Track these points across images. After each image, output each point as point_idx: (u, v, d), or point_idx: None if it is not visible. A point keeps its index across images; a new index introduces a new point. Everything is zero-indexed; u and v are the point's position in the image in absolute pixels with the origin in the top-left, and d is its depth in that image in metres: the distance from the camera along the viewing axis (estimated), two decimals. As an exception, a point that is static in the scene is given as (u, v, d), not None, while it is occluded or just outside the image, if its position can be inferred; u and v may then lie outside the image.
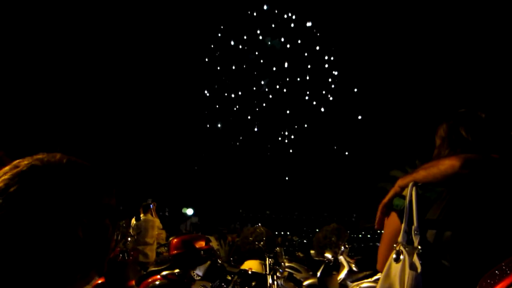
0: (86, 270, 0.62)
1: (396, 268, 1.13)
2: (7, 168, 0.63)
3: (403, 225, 1.20)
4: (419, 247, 1.12)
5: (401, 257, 1.13)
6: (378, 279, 5.73)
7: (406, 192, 1.25)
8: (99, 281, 5.55)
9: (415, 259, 1.11)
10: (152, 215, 7.40)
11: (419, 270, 1.08)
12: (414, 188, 1.24)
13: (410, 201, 1.22)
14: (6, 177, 0.61)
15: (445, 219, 1.17)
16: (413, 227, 1.17)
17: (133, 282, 5.17)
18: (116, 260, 5.33)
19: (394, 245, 1.18)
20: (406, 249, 1.13)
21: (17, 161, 0.64)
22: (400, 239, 1.18)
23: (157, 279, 4.67)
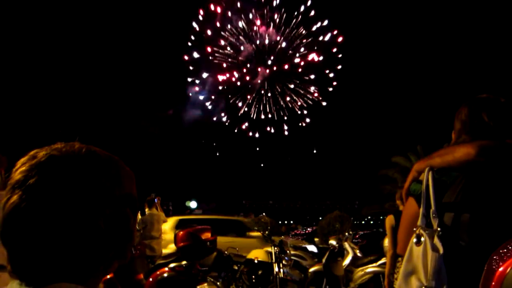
0: (109, 260, 0.63)
1: (417, 251, 1.15)
2: (24, 158, 0.61)
3: (421, 209, 1.23)
4: (439, 229, 1.14)
5: (422, 239, 1.15)
6: (382, 264, 5.80)
7: (423, 177, 1.27)
8: (108, 276, 5.63)
9: (436, 241, 1.13)
10: (157, 209, 7.46)
11: (441, 251, 1.10)
12: (430, 173, 1.25)
13: (427, 185, 1.24)
14: (24, 168, 0.60)
15: (462, 202, 1.20)
16: (431, 210, 1.19)
17: (141, 276, 5.24)
18: (123, 255, 5.40)
19: (414, 229, 1.20)
20: (426, 232, 1.15)
21: (34, 151, 0.62)
22: (419, 222, 1.20)
23: (165, 272, 4.72)
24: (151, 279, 4.89)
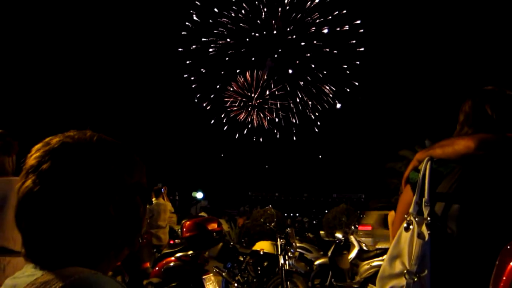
0: (119, 247, 0.64)
1: (405, 236, 1.20)
2: (39, 145, 0.64)
3: (414, 197, 1.26)
4: (429, 218, 1.18)
5: (411, 226, 1.19)
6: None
7: (421, 166, 1.30)
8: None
9: (424, 228, 1.16)
10: (163, 199, 7.50)
11: (426, 238, 1.14)
12: (429, 163, 1.28)
13: (424, 174, 1.27)
14: (38, 154, 0.62)
15: (454, 193, 1.22)
16: (423, 199, 1.23)
17: (148, 264, 5.29)
18: (130, 243, 5.44)
19: (405, 216, 1.24)
20: (416, 219, 1.19)
21: (49, 138, 0.65)
22: (411, 209, 1.24)
23: (171, 261, 4.76)
24: (157, 268, 4.93)
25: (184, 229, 4.79)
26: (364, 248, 6.25)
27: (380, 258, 5.66)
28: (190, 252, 4.69)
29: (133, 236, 0.66)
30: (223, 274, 5.65)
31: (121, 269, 5.62)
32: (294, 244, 5.55)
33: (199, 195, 33.89)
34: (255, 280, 5.59)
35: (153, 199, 7.28)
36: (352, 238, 6.31)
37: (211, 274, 4.64)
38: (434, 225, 1.17)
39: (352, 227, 6.89)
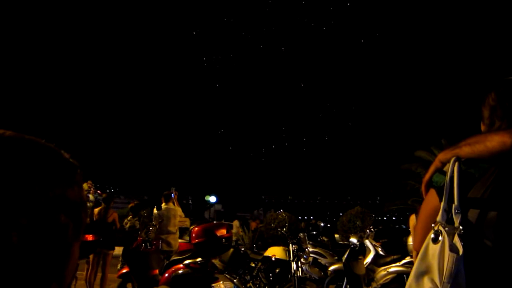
0: (38, 284, 0.45)
1: (434, 249, 1.04)
2: None
3: (442, 203, 1.10)
4: (461, 227, 1.02)
5: (440, 238, 1.03)
6: (406, 263, 5.54)
7: (448, 168, 1.13)
8: (124, 271, 5.59)
9: (456, 240, 1.01)
10: (173, 204, 7.39)
11: (460, 252, 0.98)
12: (456, 164, 1.12)
13: (451, 177, 1.10)
14: None
15: (491, 198, 1.05)
16: (453, 205, 1.06)
17: (157, 271, 5.16)
18: (139, 250, 5.33)
19: (433, 225, 1.08)
20: (446, 229, 1.03)
21: None
22: (439, 218, 1.08)
23: (180, 268, 4.63)
24: (166, 275, 4.81)
25: (193, 235, 4.66)
26: (381, 253, 6.02)
27: (397, 264, 5.44)
28: (199, 259, 4.56)
29: (59, 268, 0.48)
30: (234, 280, 5.49)
31: (130, 277, 5.52)
32: (307, 249, 5.37)
33: (212, 199, 33.85)
34: (267, 287, 5.42)
35: (163, 204, 7.18)
36: (367, 242, 6.09)
37: (221, 282, 4.49)
38: (467, 236, 1.01)
39: (368, 230, 6.67)
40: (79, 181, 0.51)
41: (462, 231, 1.01)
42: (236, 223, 18.42)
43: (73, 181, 0.50)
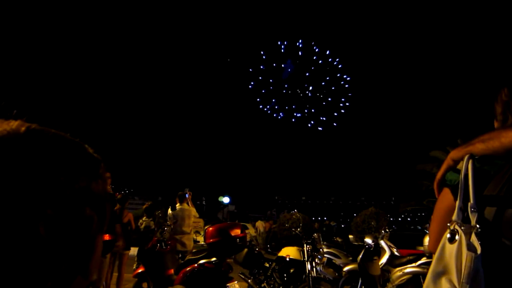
0: (63, 277, 0.47)
1: (451, 249, 1.01)
2: None
3: (457, 201, 1.07)
4: (477, 225, 0.99)
5: (457, 237, 1.01)
6: (422, 264, 5.46)
7: (461, 166, 1.11)
8: (139, 270, 5.65)
9: (473, 239, 0.98)
10: (188, 204, 7.44)
11: (478, 251, 0.96)
12: (470, 161, 1.09)
13: (466, 174, 1.07)
14: None
15: (508, 195, 1.02)
16: (469, 204, 1.03)
17: (172, 271, 5.21)
18: (154, 250, 5.39)
19: (448, 224, 1.05)
20: (462, 228, 1.00)
21: None
22: (454, 217, 1.05)
23: (195, 268, 4.66)
24: (181, 275, 4.85)
25: (207, 235, 4.69)
26: (396, 253, 5.96)
27: (413, 265, 5.38)
28: (214, 258, 4.58)
29: (84, 261, 0.49)
30: (249, 281, 5.50)
31: (145, 276, 5.58)
32: (321, 249, 5.34)
33: (226, 199, 33.92)
34: (281, 287, 5.41)
35: (177, 205, 7.24)
36: (382, 243, 6.03)
37: (235, 282, 4.51)
38: (485, 234, 0.99)
39: (383, 231, 6.61)
40: (103, 175, 0.52)
41: (479, 229, 0.99)
42: (259, 223, 18.43)
43: (97, 174, 0.51)
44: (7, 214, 0.42)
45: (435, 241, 1.10)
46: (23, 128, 0.48)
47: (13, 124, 0.48)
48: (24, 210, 0.42)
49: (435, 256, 1.06)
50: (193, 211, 7.53)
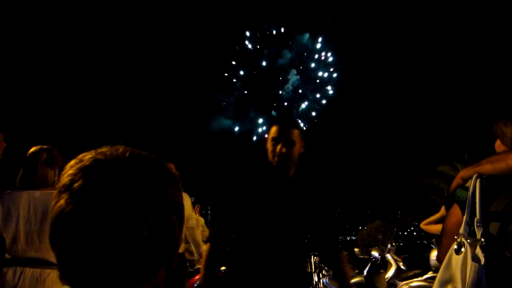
0: (155, 269, 0.60)
1: (457, 259, 1.11)
2: (72, 162, 0.61)
3: (465, 216, 1.17)
4: (482, 239, 1.09)
5: (463, 249, 1.10)
6: (429, 278, 5.49)
7: (470, 184, 1.21)
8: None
9: (478, 251, 1.07)
10: (196, 213, 7.53)
11: (482, 262, 1.05)
12: (478, 180, 1.19)
13: (474, 192, 1.17)
14: (71, 171, 0.59)
15: (511, 212, 1.12)
16: (475, 219, 1.13)
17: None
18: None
19: (456, 237, 1.15)
20: (468, 240, 1.10)
21: (82, 154, 0.62)
22: (461, 230, 1.14)
23: (204, 277, 4.74)
24: (190, 284, 4.92)
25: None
26: (402, 267, 6.00)
27: (419, 279, 5.41)
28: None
29: (169, 257, 0.63)
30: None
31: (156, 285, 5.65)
32: (328, 261, 5.41)
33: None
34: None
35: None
36: (389, 256, 6.07)
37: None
38: (489, 247, 1.08)
39: (389, 245, 6.65)
40: (181, 188, 0.67)
41: (484, 242, 1.07)
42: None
43: (179, 188, 0.66)
44: (123, 219, 0.56)
45: (445, 252, 1.19)
46: (127, 154, 0.62)
47: (120, 149, 0.63)
48: (133, 216, 0.57)
49: (442, 266, 1.15)
50: (202, 220, 7.62)
